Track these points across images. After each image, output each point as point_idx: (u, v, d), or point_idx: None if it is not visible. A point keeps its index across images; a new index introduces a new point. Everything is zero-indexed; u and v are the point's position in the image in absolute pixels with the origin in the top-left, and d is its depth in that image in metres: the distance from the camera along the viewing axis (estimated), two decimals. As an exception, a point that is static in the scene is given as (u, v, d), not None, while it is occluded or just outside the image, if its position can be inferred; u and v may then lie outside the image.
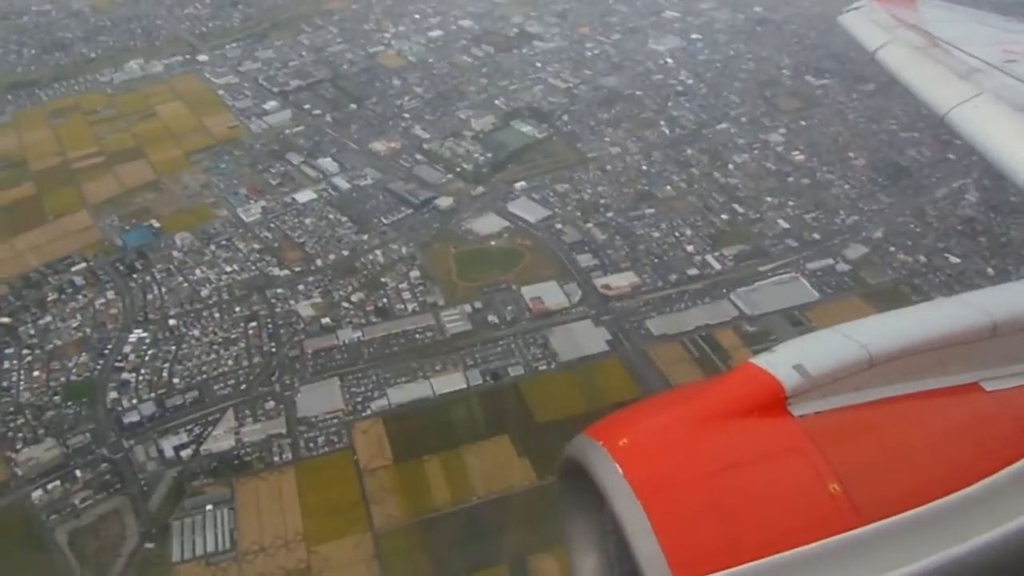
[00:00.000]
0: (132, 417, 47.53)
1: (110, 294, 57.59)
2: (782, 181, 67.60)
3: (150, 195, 69.00)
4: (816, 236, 61.13)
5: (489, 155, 72.29)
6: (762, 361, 5.38)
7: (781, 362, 5.30)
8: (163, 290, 57.84)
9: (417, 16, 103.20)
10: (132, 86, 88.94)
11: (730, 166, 69.64)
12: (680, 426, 5.13)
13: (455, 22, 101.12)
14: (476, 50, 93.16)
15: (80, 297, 57.51)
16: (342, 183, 69.09)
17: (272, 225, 64.26)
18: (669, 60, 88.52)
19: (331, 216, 65.07)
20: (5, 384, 50.32)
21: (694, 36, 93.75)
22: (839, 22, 19.11)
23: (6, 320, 55.66)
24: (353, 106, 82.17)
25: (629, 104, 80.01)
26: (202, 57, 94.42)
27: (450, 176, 69.70)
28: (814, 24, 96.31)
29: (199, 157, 74.24)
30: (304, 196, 67.52)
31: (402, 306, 55.46)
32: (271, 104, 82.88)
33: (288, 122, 79.69)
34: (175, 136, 78.19)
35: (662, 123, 76.59)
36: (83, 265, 60.54)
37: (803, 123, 76.16)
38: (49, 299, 57.36)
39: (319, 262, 60.03)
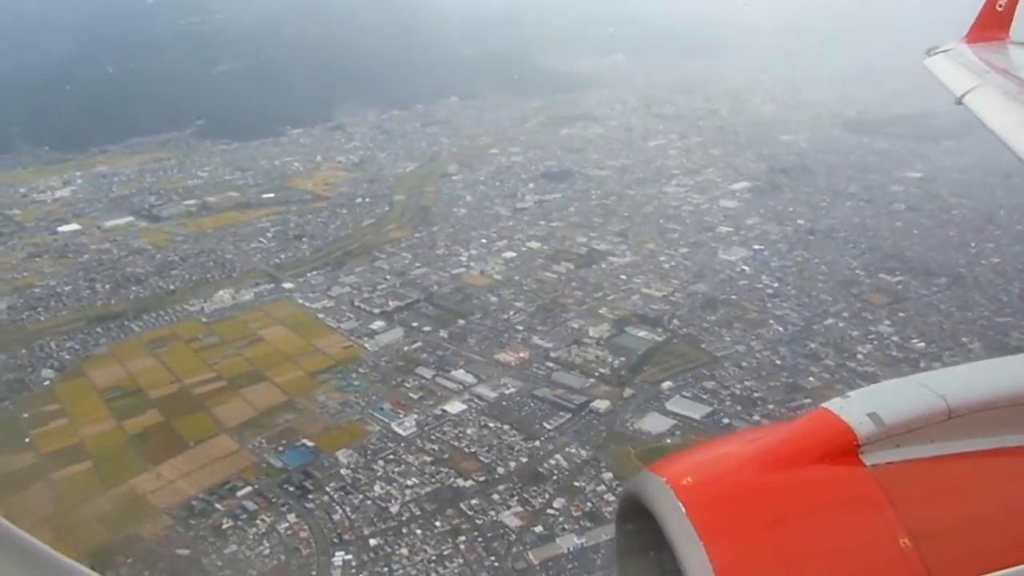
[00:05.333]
0: (375, 647, 43.06)
1: (291, 517, 54.08)
2: (915, 367, 70.24)
3: (289, 416, 67.09)
4: (977, 415, 62.80)
5: (621, 359, 73.56)
6: (835, 407, 5.10)
7: (855, 409, 5.03)
8: (348, 509, 54.66)
9: (484, 240, 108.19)
10: (225, 314, 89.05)
11: (859, 356, 72.39)
12: (747, 468, 4.89)
13: (523, 244, 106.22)
14: (557, 267, 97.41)
15: (259, 522, 53.78)
16: (487, 392, 68.67)
17: (433, 437, 62.65)
18: (746, 267, 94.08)
19: (491, 425, 63.98)
20: (215, 623, 45.50)
21: (756, 247, 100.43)
22: (925, 65, 18.37)
23: (185, 552, 51.30)
24: (461, 322, 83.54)
25: (729, 307, 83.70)
26: (287, 285, 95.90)
27: (591, 380, 70.26)
28: (858, 232, 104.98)
29: (325, 376, 73.39)
30: (454, 407, 66.63)
31: (611, 508, 53.55)
32: (378, 324, 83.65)
33: (402, 339, 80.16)
34: (291, 358, 77.50)
35: (771, 322, 79.95)
36: (248, 489, 57.25)
37: (901, 315, 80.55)
38: (224, 526, 53.43)
39: (500, 470, 58.23)
